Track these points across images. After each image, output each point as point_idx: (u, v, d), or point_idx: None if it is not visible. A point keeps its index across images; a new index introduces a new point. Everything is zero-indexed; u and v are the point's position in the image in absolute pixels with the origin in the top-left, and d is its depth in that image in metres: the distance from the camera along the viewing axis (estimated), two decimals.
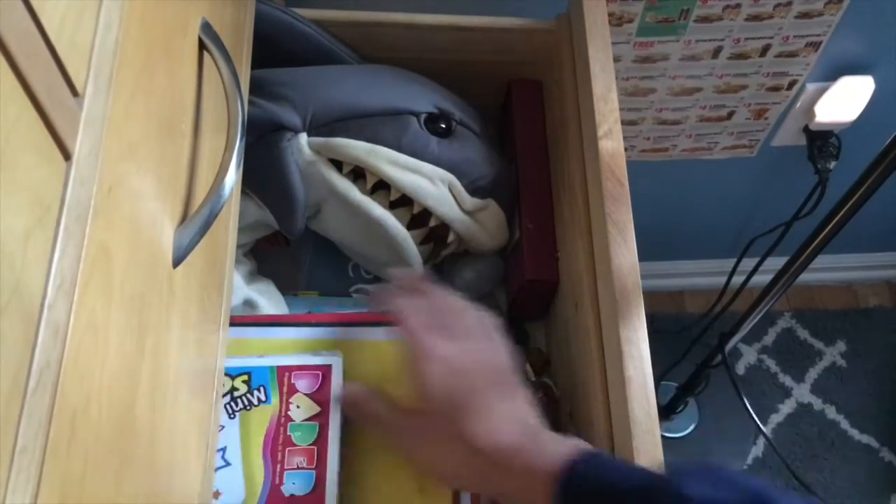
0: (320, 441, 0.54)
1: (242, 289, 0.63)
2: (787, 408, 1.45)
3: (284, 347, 0.58)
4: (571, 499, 0.41)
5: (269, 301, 0.64)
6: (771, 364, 1.49)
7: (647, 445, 0.48)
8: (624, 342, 0.51)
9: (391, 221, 0.61)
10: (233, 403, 0.55)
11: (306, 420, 0.54)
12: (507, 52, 0.69)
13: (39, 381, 0.23)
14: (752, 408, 1.18)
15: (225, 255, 0.48)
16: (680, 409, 1.35)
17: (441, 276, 0.72)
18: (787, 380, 1.48)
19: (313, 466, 0.53)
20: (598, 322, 0.55)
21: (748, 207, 1.31)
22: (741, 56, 0.96)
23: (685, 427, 1.38)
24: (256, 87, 0.60)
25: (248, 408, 0.55)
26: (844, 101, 1.03)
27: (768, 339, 1.51)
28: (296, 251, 0.72)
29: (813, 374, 1.48)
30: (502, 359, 0.50)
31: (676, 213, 1.31)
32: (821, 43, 0.95)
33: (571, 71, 0.64)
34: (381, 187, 0.62)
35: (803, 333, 1.52)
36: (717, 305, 1.25)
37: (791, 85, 1.02)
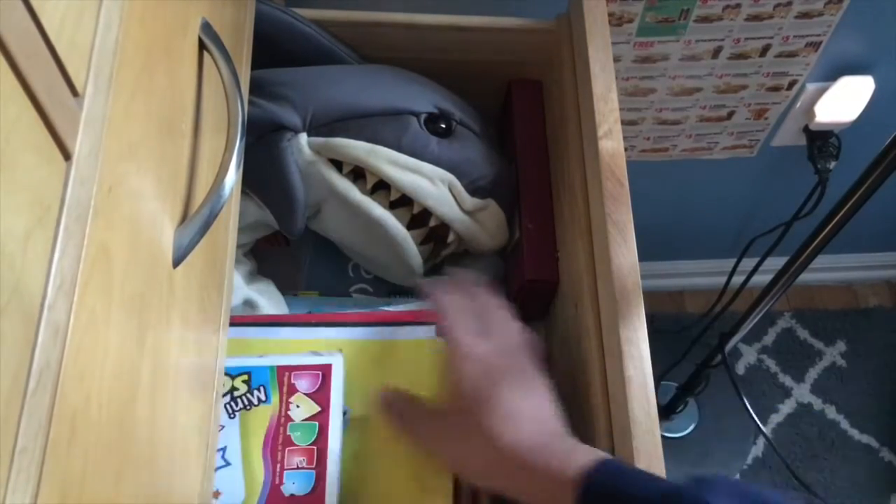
0: (320, 441, 0.54)
1: (242, 289, 0.63)
2: (787, 408, 1.45)
3: (284, 347, 0.58)
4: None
5: (269, 301, 0.64)
6: (771, 364, 1.49)
7: (647, 445, 0.48)
8: (624, 342, 0.51)
9: (391, 221, 0.61)
10: (233, 403, 0.55)
11: (306, 420, 0.55)
12: (507, 52, 0.69)
13: (39, 382, 0.23)
14: (752, 408, 1.18)
15: (225, 255, 0.48)
16: (680, 409, 1.35)
17: (441, 277, 0.72)
18: (787, 380, 1.48)
19: (313, 466, 0.53)
20: (598, 322, 0.55)
21: (748, 207, 1.31)
22: (741, 56, 0.96)
23: (685, 427, 1.38)
24: (256, 87, 0.60)
25: (248, 407, 0.55)
26: (844, 101, 1.03)
27: (768, 339, 1.51)
28: (296, 251, 0.72)
29: (813, 374, 1.48)
30: (531, 364, 0.51)
31: (676, 213, 1.31)
32: (821, 43, 0.95)
33: (571, 71, 0.64)
34: (381, 187, 0.62)
35: (803, 333, 1.52)
36: (717, 305, 1.25)
37: (791, 85, 1.02)
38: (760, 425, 1.22)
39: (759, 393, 1.46)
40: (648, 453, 0.47)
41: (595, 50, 0.61)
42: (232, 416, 0.54)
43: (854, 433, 1.43)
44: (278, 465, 0.53)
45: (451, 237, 0.65)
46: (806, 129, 1.10)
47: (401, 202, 0.62)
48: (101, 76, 0.27)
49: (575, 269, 0.60)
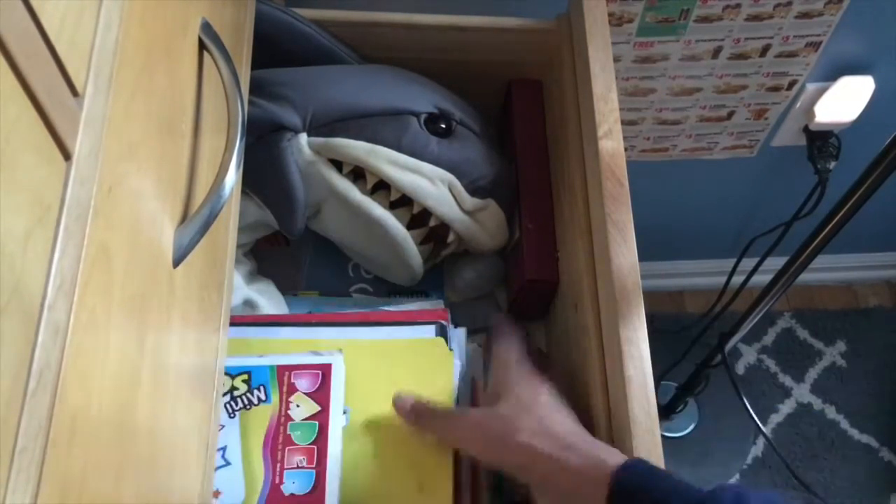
0: (320, 440, 0.54)
1: (242, 289, 0.63)
2: (786, 408, 1.45)
3: (284, 347, 0.58)
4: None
5: (269, 301, 0.64)
6: (771, 364, 1.49)
7: (647, 445, 0.48)
8: (624, 342, 0.51)
9: (391, 221, 0.61)
10: (233, 403, 0.55)
11: (306, 419, 0.55)
12: (507, 52, 0.69)
13: (39, 382, 0.23)
14: (751, 408, 1.18)
15: (225, 255, 0.48)
16: (680, 408, 1.35)
17: (441, 276, 0.72)
18: (786, 380, 1.48)
19: (313, 466, 0.53)
20: (598, 322, 0.55)
21: (748, 207, 1.31)
22: (741, 56, 0.96)
23: (685, 427, 1.38)
24: (256, 87, 0.60)
25: (248, 407, 0.55)
26: (844, 101, 1.03)
27: (768, 339, 1.51)
28: (296, 251, 0.72)
29: (813, 374, 1.48)
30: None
31: (676, 213, 1.31)
32: (821, 43, 0.95)
33: (571, 71, 0.64)
34: (381, 187, 0.62)
35: (803, 333, 1.52)
36: (716, 305, 1.25)
37: (791, 85, 1.02)
38: (760, 425, 1.22)
39: (759, 393, 1.46)
40: (648, 453, 0.47)
41: (595, 50, 0.61)
42: (232, 415, 0.54)
43: (854, 433, 1.43)
44: (278, 465, 0.53)
45: (451, 237, 0.65)
46: (806, 129, 1.10)
47: (401, 202, 0.62)
48: (101, 76, 0.27)
49: (575, 269, 0.60)
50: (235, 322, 0.57)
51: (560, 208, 0.66)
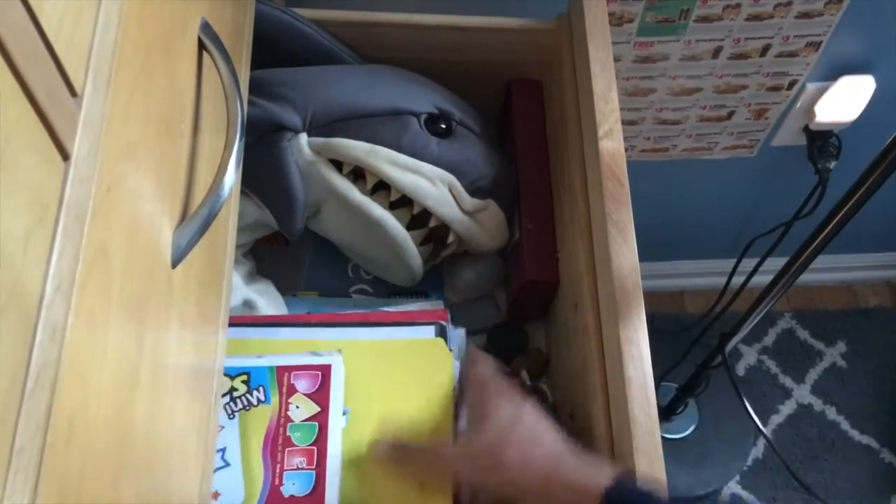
0: (320, 441, 0.54)
1: (241, 289, 0.62)
2: (787, 409, 1.45)
3: (284, 348, 0.58)
4: None
5: (269, 301, 0.64)
6: (771, 365, 1.49)
7: (647, 446, 0.48)
8: (624, 342, 0.51)
9: (391, 222, 0.61)
10: (232, 404, 0.55)
11: (306, 420, 0.54)
12: (507, 52, 0.69)
13: (37, 382, 0.23)
14: (752, 408, 1.18)
15: (224, 256, 0.48)
16: (680, 409, 1.35)
17: (441, 277, 0.72)
18: (787, 380, 1.47)
19: (313, 467, 0.53)
20: (598, 322, 0.55)
21: (748, 207, 1.31)
22: (741, 56, 0.96)
23: (685, 428, 1.38)
24: (256, 88, 0.60)
25: (248, 408, 0.55)
26: (844, 100, 1.03)
27: (768, 339, 1.51)
28: (295, 251, 0.72)
29: (813, 374, 1.48)
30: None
31: (676, 213, 1.31)
32: (821, 43, 0.95)
33: (571, 71, 0.64)
34: (381, 188, 0.62)
35: (803, 334, 1.52)
36: (717, 306, 1.25)
37: (791, 85, 1.02)
38: (761, 426, 1.22)
39: (760, 394, 1.45)
40: (648, 454, 0.47)
41: (595, 50, 0.61)
42: (231, 416, 0.54)
43: (854, 434, 1.43)
44: (278, 466, 0.53)
45: (451, 238, 0.65)
46: (806, 129, 1.10)
47: (401, 202, 0.62)
48: (99, 76, 0.27)
49: (575, 270, 0.60)
50: (234, 322, 0.57)
51: (560, 208, 0.66)
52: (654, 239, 1.18)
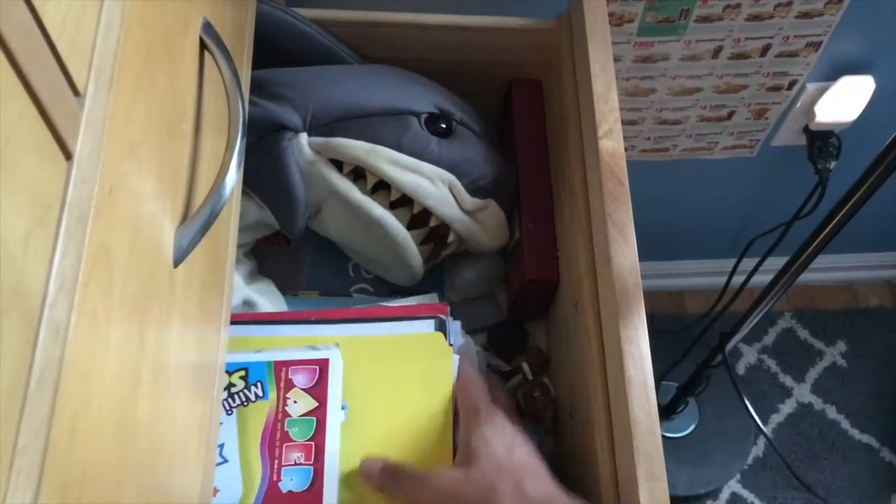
0: (318, 436, 0.54)
1: (242, 289, 0.63)
2: (787, 408, 1.45)
3: (283, 344, 0.58)
4: None
5: (269, 301, 0.64)
6: (771, 364, 1.49)
7: (648, 445, 0.48)
8: (624, 342, 0.51)
9: (391, 221, 0.61)
10: (230, 399, 0.55)
11: (304, 415, 0.54)
12: (507, 52, 0.69)
13: (40, 381, 0.23)
14: (752, 408, 1.18)
15: (225, 255, 0.48)
16: (680, 409, 1.35)
17: (441, 277, 0.72)
18: (787, 380, 1.48)
19: (311, 462, 0.53)
20: (598, 322, 0.55)
21: (748, 207, 1.31)
22: (741, 56, 0.96)
23: (685, 427, 1.38)
24: (257, 87, 0.60)
25: (246, 404, 0.55)
26: (845, 101, 1.03)
27: (769, 339, 1.51)
28: (296, 251, 0.72)
29: (813, 373, 1.48)
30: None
31: (676, 213, 1.31)
32: (821, 43, 0.95)
33: (571, 71, 0.64)
34: (381, 187, 0.62)
35: (804, 333, 1.52)
36: (717, 305, 1.25)
37: (791, 85, 1.02)
38: (761, 425, 1.22)
39: (760, 393, 1.46)
40: (649, 453, 0.47)
41: (595, 50, 0.61)
42: (229, 412, 0.54)
43: (854, 433, 1.43)
44: (276, 462, 0.53)
45: (451, 237, 0.65)
46: (806, 129, 1.10)
47: (401, 202, 0.62)
48: (102, 76, 0.27)
49: (575, 269, 0.60)
50: (235, 320, 0.57)
51: (560, 208, 0.66)
52: (654, 239, 1.18)
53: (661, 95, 1.02)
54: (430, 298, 0.66)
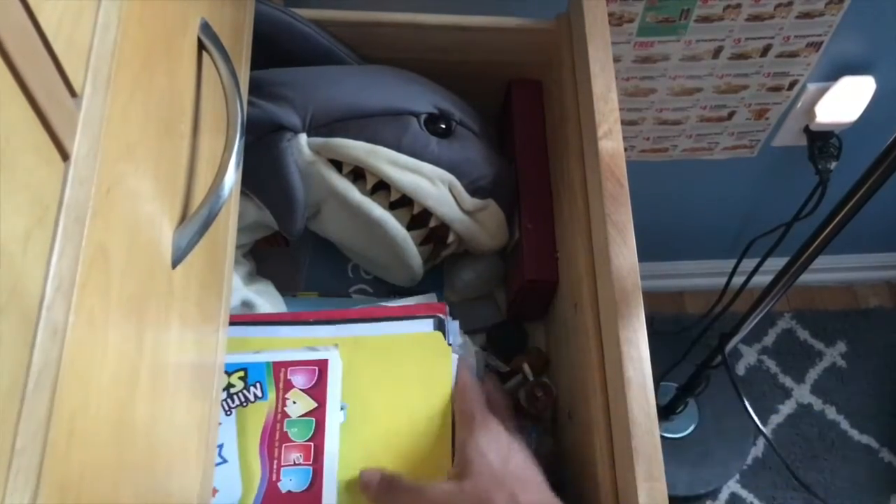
0: (317, 437, 0.54)
1: (241, 290, 0.62)
2: (787, 408, 1.45)
3: (282, 345, 0.58)
4: None
5: (268, 302, 0.64)
6: (771, 365, 1.49)
7: (647, 446, 0.48)
8: (623, 343, 0.51)
9: (391, 222, 0.61)
10: (229, 400, 0.55)
11: (303, 416, 0.54)
12: (507, 52, 0.69)
13: (38, 382, 0.23)
14: (752, 408, 1.18)
15: (224, 256, 0.48)
16: (680, 409, 1.35)
17: (441, 277, 0.72)
18: (787, 380, 1.48)
19: (310, 462, 0.53)
20: (597, 322, 0.55)
21: (748, 208, 1.31)
22: (742, 56, 0.96)
23: (685, 427, 1.38)
24: (256, 88, 0.60)
25: (245, 404, 0.55)
26: (845, 101, 1.03)
27: (768, 339, 1.51)
28: (295, 252, 0.72)
29: (813, 374, 1.48)
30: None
31: (676, 213, 1.31)
32: (822, 43, 0.95)
33: (571, 71, 0.64)
34: (380, 188, 0.62)
35: (803, 334, 1.52)
36: (717, 306, 1.25)
37: (792, 85, 1.02)
38: (760, 426, 1.22)
39: (760, 393, 1.45)
40: (648, 454, 0.47)
41: (595, 50, 0.61)
42: (228, 412, 0.54)
43: (854, 434, 1.43)
44: (275, 462, 0.53)
45: (451, 237, 0.65)
46: (806, 130, 1.10)
47: (401, 202, 0.62)
48: (99, 76, 0.27)
49: (575, 270, 0.60)
50: (234, 321, 0.57)
51: (560, 208, 0.66)
52: (654, 239, 1.18)
53: (661, 95, 1.02)
54: (429, 299, 0.66)
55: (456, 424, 0.55)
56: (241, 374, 0.55)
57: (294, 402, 0.55)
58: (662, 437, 0.49)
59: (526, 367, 0.66)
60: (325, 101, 0.60)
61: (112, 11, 0.28)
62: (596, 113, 0.58)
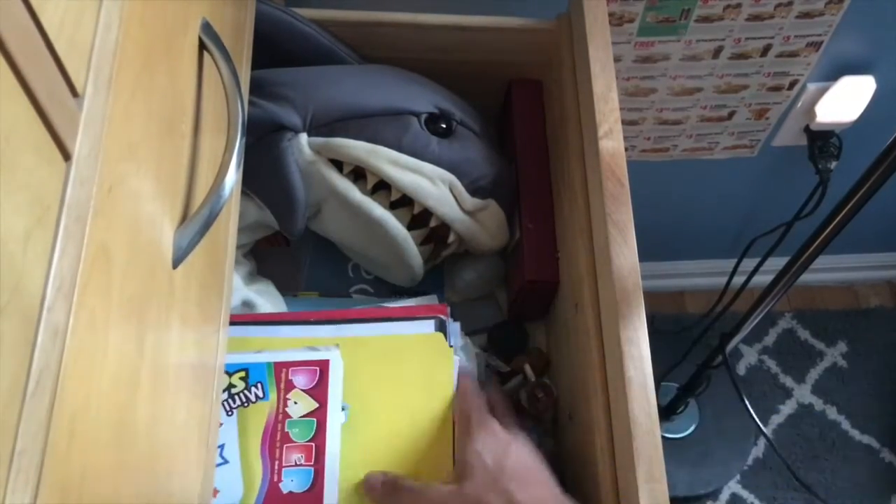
0: (318, 437, 0.54)
1: (241, 290, 0.62)
2: (787, 408, 1.45)
3: (283, 345, 0.58)
4: None
5: (269, 301, 0.64)
6: (772, 364, 1.49)
7: (648, 446, 0.48)
8: (624, 342, 0.51)
9: (392, 222, 0.61)
10: (230, 400, 0.55)
11: (304, 416, 0.54)
12: (507, 52, 0.69)
13: (39, 383, 0.23)
14: (752, 408, 1.18)
15: (225, 256, 0.48)
16: (680, 409, 1.35)
17: (441, 277, 0.72)
18: (787, 380, 1.47)
19: (311, 463, 0.53)
20: (598, 322, 0.55)
21: (749, 207, 1.31)
22: (742, 56, 0.96)
23: (686, 428, 1.38)
24: (256, 88, 0.60)
25: (246, 404, 0.55)
26: (845, 100, 1.03)
27: (769, 339, 1.51)
28: (296, 251, 0.72)
29: (814, 374, 1.48)
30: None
31: (677, 213, 1.31)
32: (822, 43, 0.95)
33: (571, 71, 0.64)
34: (381, 187, 0.62)
35: (804, 334, 1.52)
36: (717, 306, 1.25)
37: (792, 85, 1.02)
38: (761, 426, 1.22)
39: (760, 393, 1.45)
40: (648, 454, 0.47)
41: (595, 50, 0.61)
42: (229, 413, 0.54)
43: (855, 434, 1.43)
44: (276, 463, 0.53)
45: (451, 237, 0.65)
46: (807, 129, 1.10)
47: (401, 202, 0.62)
48: (100, 76, 0.27)
49: (575, 270, 0.60)
50: (234, 321, 0.57)
51: (560, 208, 0.66)
52: (654, 239, 1.18)
53: (662, 95, 1.01)
54: (430, 299, 0.66)
55: (456, 427, 0.55)
56: (243, 374, 0.55)
57: (295, 403, 0.55)
58: (663, 437, 0.49)
59: (527, 368, 0.66)
60: (325, 100, 0.60)
61: (113, 11, 0.28)
62: (596, 113, 0.58)
